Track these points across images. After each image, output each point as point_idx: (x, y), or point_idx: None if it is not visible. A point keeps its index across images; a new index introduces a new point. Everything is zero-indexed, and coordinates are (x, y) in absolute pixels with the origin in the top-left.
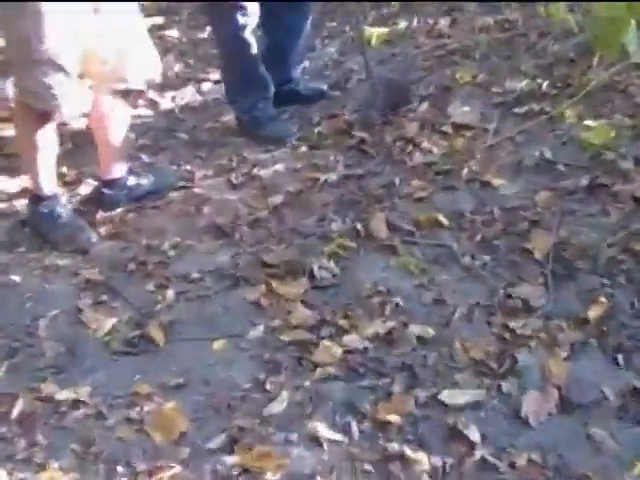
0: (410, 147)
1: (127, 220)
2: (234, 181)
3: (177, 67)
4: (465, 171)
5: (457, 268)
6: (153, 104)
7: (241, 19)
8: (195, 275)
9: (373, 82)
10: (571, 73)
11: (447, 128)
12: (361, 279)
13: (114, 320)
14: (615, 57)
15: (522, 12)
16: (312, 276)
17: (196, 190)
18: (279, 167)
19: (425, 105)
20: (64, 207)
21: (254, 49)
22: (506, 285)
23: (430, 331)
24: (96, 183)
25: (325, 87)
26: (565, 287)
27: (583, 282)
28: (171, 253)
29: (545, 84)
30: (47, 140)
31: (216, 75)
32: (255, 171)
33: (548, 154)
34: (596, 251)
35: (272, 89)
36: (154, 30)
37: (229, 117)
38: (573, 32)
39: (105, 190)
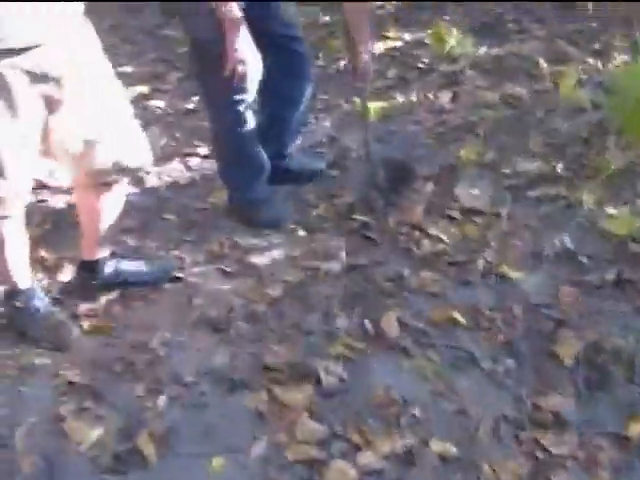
0: (417, 234)
1: (112, 312)
2: (227, 269)
3: (163, 140)
4: (480, 262)
5: (477, 373)
6: (138, 181)
7: (237, 91)
8: (189, 378)
9: (374, 162)
10: (585, 153)
11: (455, 213)
12: (372, 385)
13: (99, 430)
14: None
15: (527, 87)
16: (318, 381)
17: (187, 279)
18: (275, 254)
19: (429, 186)
20: (41, 299)
21: (251, 125)
22: (533, 394)
23: (453, 449)
24: (79, 267)
25: (322, 166)
26: (599, 398)
27: (619, 392)
28: (161, 352)
29: (559, 166)
30: (9, 231)
31: (204, 149)
32: (249, 258)
33: (569, 244)
34: (631, 357)
35: (268, 169)
36: (138, 100)
37: (219, 196)
38: (583, 109)
39: (88, 274)
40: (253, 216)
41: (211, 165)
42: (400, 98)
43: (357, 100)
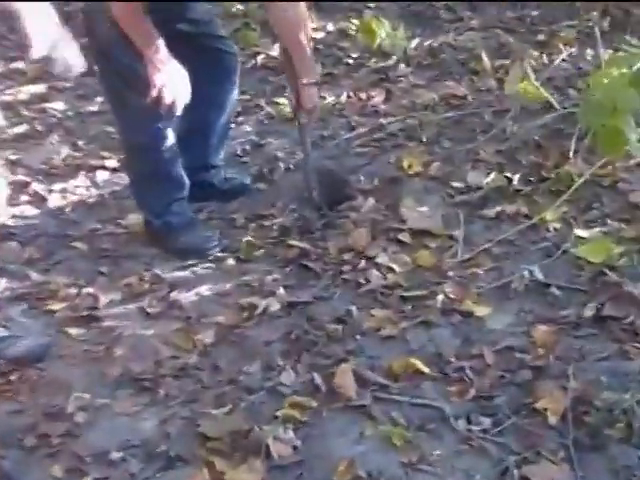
0: (363, 262)
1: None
2: (149, 310)
3: (64, 151)
4: (439, 297)
5: (451, 436)
6: (39, 199)
7: (161, 118)
8: (115, 454)
9: (307, 174)
10: (543, 163)
11: (404, 236)
12: (331, 455)
13: None
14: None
15: (469, 84)
16: (267, 452)
17: (103, 323)
18: (203, 290)
19: (370, 202)
20: None
21: (170, 140)
22: (519, 461)
23: None
24: None
25: (248, 180)
26: (593, 462)
27: (615, 454)
28: (79, 418)
29: (516, 178)
30: None
31: (113, 161)
32: (174, 295)
33: (538, 274)
34: (625, 412)
35: (188, 188)
36: (33, 102)
37: (134, 219)
38: (534, 110)
39: None
40: (175, 243)
41: (122, 180)
42: (329, 97)
43: (286, 104)
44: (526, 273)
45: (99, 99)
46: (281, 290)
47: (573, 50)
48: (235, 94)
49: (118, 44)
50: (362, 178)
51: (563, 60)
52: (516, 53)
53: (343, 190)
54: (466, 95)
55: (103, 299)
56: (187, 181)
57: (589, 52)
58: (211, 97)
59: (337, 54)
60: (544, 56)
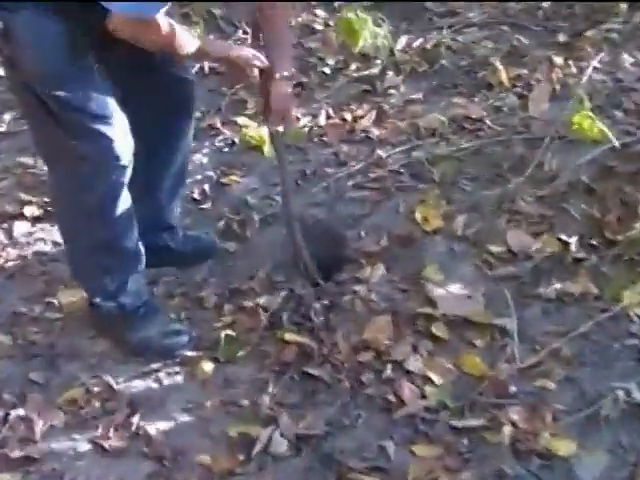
0: (388, 368)
1: None
2: (104, 443)
3: None
4: (507, 431)
5: None
6: None
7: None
8: None
9: (291, 227)
10: (604, 218)
11: (438, 327)
12: None
13: None
14: None
15: (486, 104)
16: None
17: (43, 466)
18: (176, 410)
19: (380, 271)
20: None
21: (126, 197)
22: None
23: None
24: None
25: (213, 238)
26: None
27: None
28: None
29: (573, 241)
30: None
31: (34, 208)
32: (137, 419)
33: (637, 393)
34: None
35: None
36: None
37: (71, 295)
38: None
39: None
40: (130, 337)
41: (50, 234)
42: (303, 117)
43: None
44: (620, 393)
45: (7, 116)
46: (284, 415)
47: (602, 55)
48: (192, 130)
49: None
50: (363, 234)
51: (595, 69)
52: (534, 59)
53: (341, 251)
54: (482, 117)
55: (40, 425)
56: (143, 249)
57: (626, 58)
58: (163, 135)
59: (306, 58)
60: (570, 63)
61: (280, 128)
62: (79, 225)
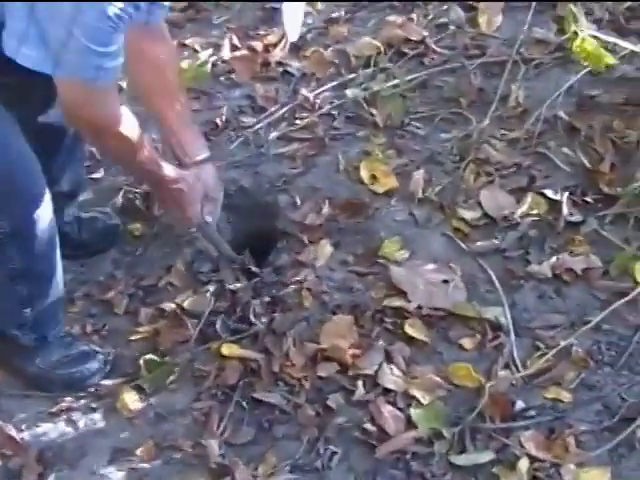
0: (359, 385)
1: None
2: None
3: None
4: (523, 466)
5: None
6: None
7: None
8: None
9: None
10: (595, 165)
11: (414, 326)
12: None
13: None
14: None
15: (427, 21)
16: None
17: None
18: (97, 463)
19: (327, 251)
20: None
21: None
22: None
23: None
24: None
25: (114, 219)
26: None
27: None
28: None
29: (564, 199)
30: None
31: None
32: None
33: None
34: None
35: None
36: None
37: None
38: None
39: None
40: (26, 367)
41: None
42: (202, 49)
43: None
44: None
45: None
46: (238, 463)
47: None
48: None
49: None
50: (299, 201)
51: None
52: None
53: (273, 225)
54: (424, 38)
55: None
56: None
57: None
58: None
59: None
60: None
61: (208, 218)
62: None
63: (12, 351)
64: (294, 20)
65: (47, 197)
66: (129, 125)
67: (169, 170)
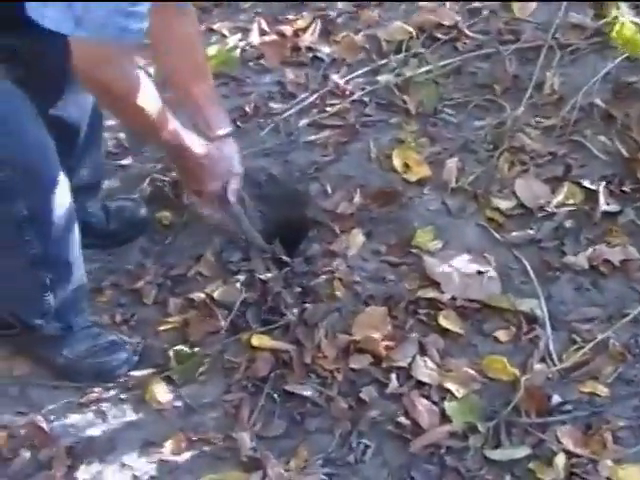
0: (393, 378)
1: None
2: None
3: None
4: (560, 462)
5: None
6: None
7: None
8: None
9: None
10: (633, 153)
11: (448, 317)
12: None
13: None
14: None
15: (460, 5)
16: None
17: None
18: (128, 455)
19: (359, 240)
20: None
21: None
22: None
23: None
24: None
25: (143, 209)
26: None
27: None
28: None
29: (600, 189)
30: None
31: None
32: (83, 476)
33: None
34: None
35: None
36: None
37: None
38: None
39: None
40: (54, 357)
41: None
42: (230, 34)
43: None
44: None
45: None
46: (270, 457)
47: None
48: None
49: None
50: (329, 189)
51: None
52: None
53: (304, 214)
54: (457, 23)
55: None
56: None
57: None
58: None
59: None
60: None
61: (232, 197)
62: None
63: (39, 342)
64: None
65: (64, 182)
66: (148, 95)
67: (194, 144)
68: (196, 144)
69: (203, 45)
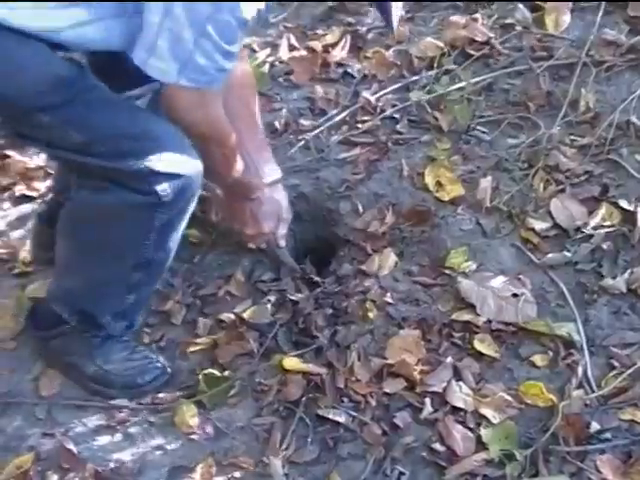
0: (427, 403)
1: None
2: None
3: None
4: None
5: None
6: None
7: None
8: None
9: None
10: None
11: (483, 341)
12: None
13: None
14: None
15: (492, 21)
16: None
17: None
18: None
19: (391, 260)
20: None
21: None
22: None
23: None
24: None
25: None
26: None
27: None
28: None
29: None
30: None
31: None
32: None
33: None
34: None
35: None
36: None
37: None
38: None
39: None
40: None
41: None
42: (259, 49)
43: None
44: None
45: None
46: None
47: None
48: None
49: None
50: (360, 208)
51: None
52: None
53: (335, 232)
54: (490, 39)
55: None
56: None
57: None
58: None
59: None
60: None
61: (282, 243)
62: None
63: (76, 347)
64: (396, 15)
65: None
66: (230, 136)
67: (256, 187)
68: (255, 187)
69: (255, 88)
